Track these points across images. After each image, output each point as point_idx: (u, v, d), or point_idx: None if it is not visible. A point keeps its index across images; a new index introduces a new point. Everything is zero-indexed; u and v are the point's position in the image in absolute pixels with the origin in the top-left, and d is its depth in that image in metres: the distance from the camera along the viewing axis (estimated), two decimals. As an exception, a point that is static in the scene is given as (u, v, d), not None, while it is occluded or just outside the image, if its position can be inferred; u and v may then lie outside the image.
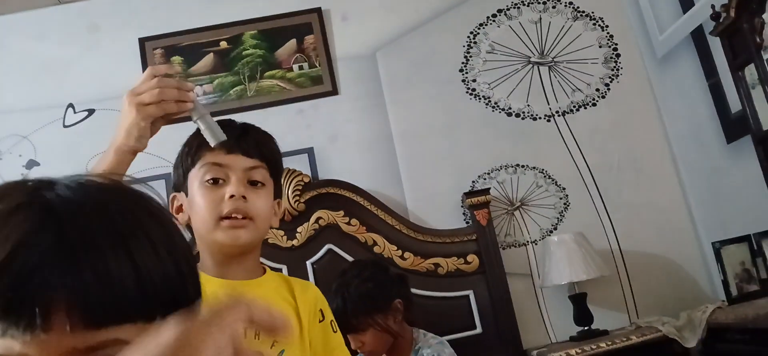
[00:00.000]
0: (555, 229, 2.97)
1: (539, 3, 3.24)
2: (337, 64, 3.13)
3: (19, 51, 3.05)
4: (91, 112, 3.00)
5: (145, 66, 3.04)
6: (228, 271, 1.13)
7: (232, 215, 1.09)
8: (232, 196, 1.09)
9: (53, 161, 2.92)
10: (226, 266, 1.13)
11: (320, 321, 1.21)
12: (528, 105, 3.12)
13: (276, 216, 1.21)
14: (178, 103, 1.03)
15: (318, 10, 3.17)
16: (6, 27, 3.07)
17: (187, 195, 1.16)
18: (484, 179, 3.01)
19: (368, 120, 3.07)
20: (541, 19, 3.23)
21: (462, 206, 2.93)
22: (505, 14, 3.22)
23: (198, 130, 1.10)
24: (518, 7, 3.23)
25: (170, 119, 1.08)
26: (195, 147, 1.15)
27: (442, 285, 2.76)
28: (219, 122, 1.17)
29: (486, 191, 2.84)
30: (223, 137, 1.05)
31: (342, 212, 2.79)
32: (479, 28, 3.20)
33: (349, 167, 2.96)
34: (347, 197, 2.82)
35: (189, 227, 1.15)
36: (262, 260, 1.26)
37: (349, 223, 2.79)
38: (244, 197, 1.10)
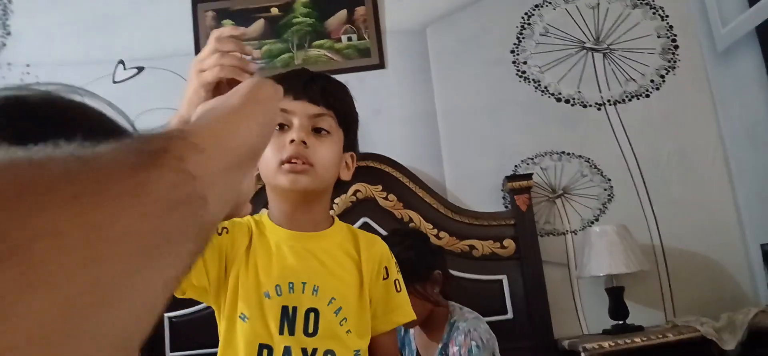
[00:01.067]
0: (597, 220, 2.91)
1: (597, -13, 3.15)
2: (386, 37, 3.10)
3: (73, 5, 3.11)
4: (140, 69, 3.06)
5: (196, 28, 3.07)
6: (294, 221, 1.14)
7: (293, 160, 1.09)
8: (292, 141, 1.09)
9: (103, 115, 2.98)
10: (292, 215, 1.14)
11: (384, 279, 1.19)
12: (579, 91, 3.05)
13: (348, 170, 1.22)
14: (236, 69, 0.96)
15: (370, -19, 3.15)
16: (65, -20, 3.14)
17: None
18: (527, 164, 2.96)
19: (413, 96, 3.04)
20: (598, 4, 3.13)
21: (502, 190, 2.89)
22: (561, -4, 3.14)
23: None
24: (575, -10, 3.15)
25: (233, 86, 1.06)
26: None
27: (476, 268, 2.74)
28: (291, 70, 1.19)
29: (529, 177, 2.79)
30: None
31: (380, 187, 2.79)
32: (534, 10, 3.13)
33: (391, 141, 2.94)
34: (386, 172, 2.82)
35: (258, 175, 1.15)
36: None
37: (386, 198, 2.78)
38: (304, 143, 1.10)
